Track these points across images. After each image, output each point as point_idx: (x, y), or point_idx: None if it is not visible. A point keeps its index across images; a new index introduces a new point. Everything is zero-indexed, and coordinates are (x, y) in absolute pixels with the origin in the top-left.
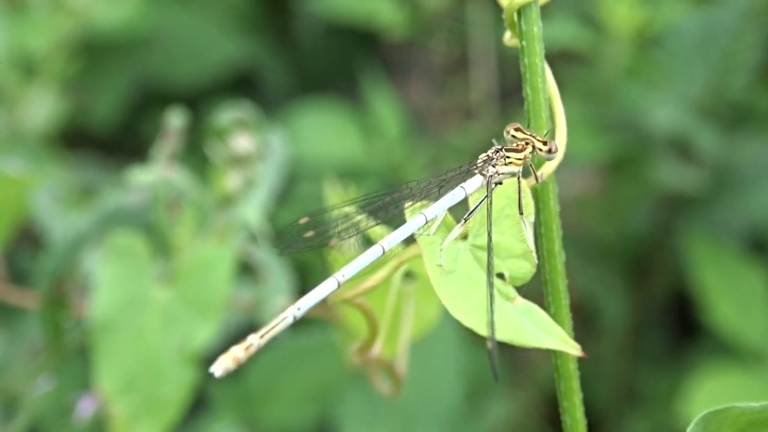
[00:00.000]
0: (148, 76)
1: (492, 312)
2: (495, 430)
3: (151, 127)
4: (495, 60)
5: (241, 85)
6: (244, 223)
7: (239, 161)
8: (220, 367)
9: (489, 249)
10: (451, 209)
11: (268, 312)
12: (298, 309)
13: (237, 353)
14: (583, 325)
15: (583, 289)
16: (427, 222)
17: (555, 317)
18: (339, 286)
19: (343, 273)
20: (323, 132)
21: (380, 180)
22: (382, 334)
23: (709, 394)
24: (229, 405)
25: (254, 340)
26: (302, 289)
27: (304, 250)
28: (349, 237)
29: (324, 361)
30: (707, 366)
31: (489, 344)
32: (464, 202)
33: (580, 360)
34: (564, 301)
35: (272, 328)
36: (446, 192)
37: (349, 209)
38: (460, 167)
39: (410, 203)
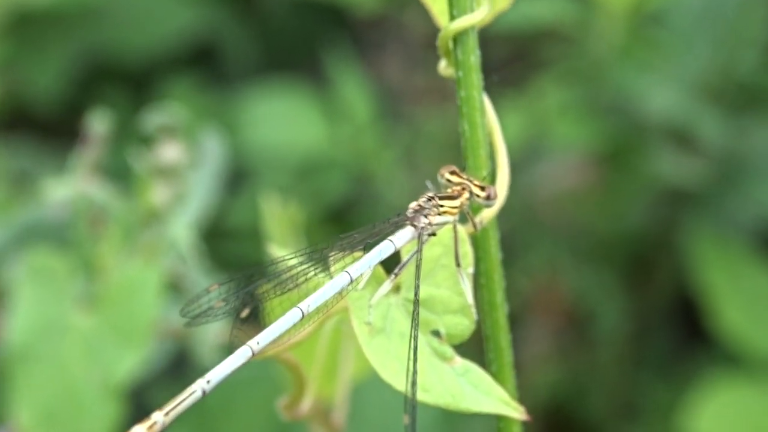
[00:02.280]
0: (96, 49)
1: (414, 373)
2: None
3: (99, 105)
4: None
5: (199, 58)
6: (172, 242)
7: (166, 173)
8: None
9: (414, 313)
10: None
11: (200, 340)
12: (208, 382)
13: None
14: (577, 331)
15: (576, 291)
16: (352, 281)
17: (497, 377)
18: (253, 354)
19: (258, 341)
20: (284, 118)
21: (346, 173)
22: (311, 387)
23: (717, 409)
24: (184, 420)
25: (158, 418)
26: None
27: (214, 321)
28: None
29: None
30: (713, 377)
31: (405, 419)
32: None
33: (575, 371)
34: (507, 359)
35: (178, 404)
36: (375, 245)
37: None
38: (388, 219)
39: (335, 254)
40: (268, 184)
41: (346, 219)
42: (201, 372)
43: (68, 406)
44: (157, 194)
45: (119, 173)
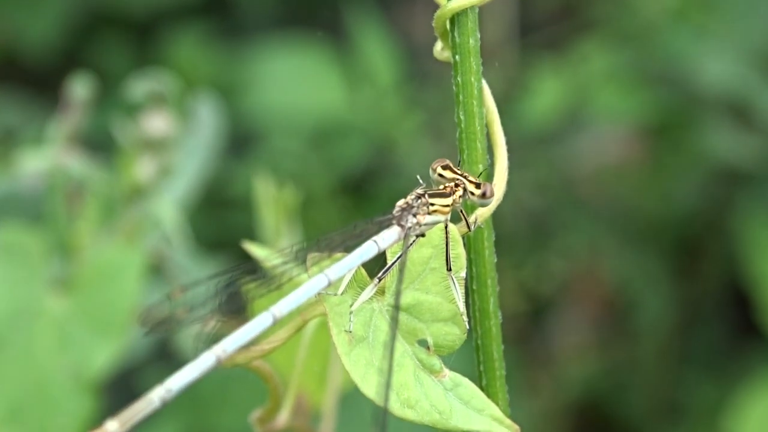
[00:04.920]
0: None
1: (388, 378)
2: None
3: (99, 57)
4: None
5: (210, 6)
6: (156, 221)
7: (153, 145)
8: None
9: (393, 318)
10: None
11: (184, 331)
12: (168, 391)
13: None
14: (617, 321)
15: (617, 277)
16: (330, 284)
17: (487, 390)
18: (219, 362)
19: (224, 347)
20: (299, 77)
21: (366, 140)
22: (290, 398)
23: (765, 412)
24: (176, 409)
25: (112, 428)
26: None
27: (178, 330)
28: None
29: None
30: (764, 376)
31: None
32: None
33: (613, 364)
34: (499, 372)
35: (134, 414)
36: (357, 246)
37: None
38: (372, 219)
39: (314, 255)
40: (278, 150)
41: (363, 191)
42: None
43: (37, 401)
44: (142, 168)
45: (105, 144)
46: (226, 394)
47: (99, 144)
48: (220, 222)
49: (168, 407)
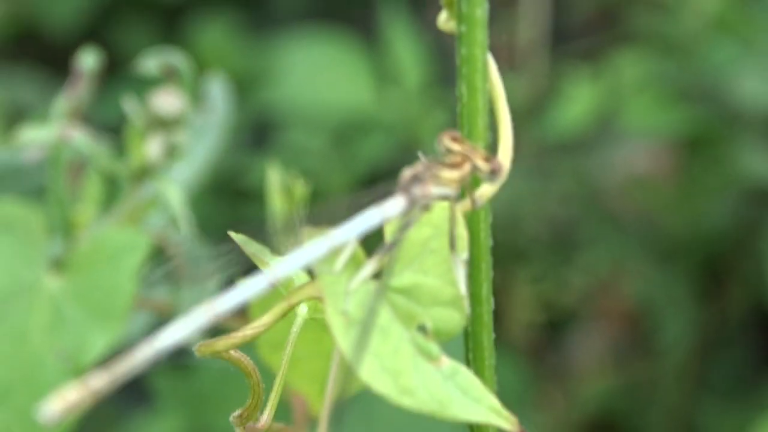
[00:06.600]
0: None
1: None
2: None
3: (122, 38)
4: None
5: None
6: (162, 202)
7: (163, 124)
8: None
9: (380, 287)
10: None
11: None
12: (153, 349)
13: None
14: (637, 339)
15: (640, 294)
16: (327, 253)
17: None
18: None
19: (214, 307)
20: (326, 71)
21: (392, 137)
22: (275, 397)
23: None
24: (175, 403)
25: (95, 384)
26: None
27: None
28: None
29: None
30: None
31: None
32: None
33: (631, 383)
34: (489, 361)
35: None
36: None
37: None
38: (372, 188)
39: (310, 229)
40: (298, 145)
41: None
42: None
43: (26, 384)
44: (151, 147)
45: (119, 127)
46: (226, 392)
47: (114, 127)
48: (233, 213)
49: (167, 399)
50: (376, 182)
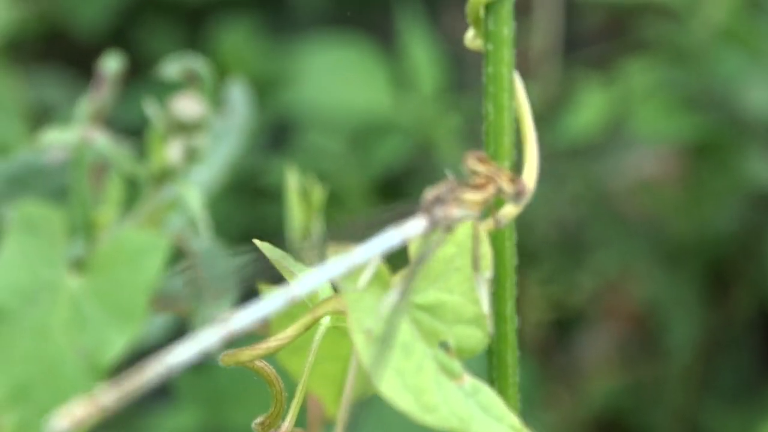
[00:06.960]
0: None
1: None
2: None
3: (146, 41)
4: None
5: (264, 1)
6: (183, 207)
7: (184, 128)
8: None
9: (401, 302)
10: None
11: (203, 320)
12: (166, 366)
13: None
14: (644, 340)
15: (647, 295)
16: (348, 272)
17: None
18: (223, 339)
19: (232, 324)
20: (344, 74)
21: (407, 139)
22: (296, 405)
23: None
24: (194, 398)
25: (105, 399)
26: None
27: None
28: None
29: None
30: None
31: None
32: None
33: (637, 383)
34: (512, 379)
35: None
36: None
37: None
38: (393, 208)
39: (333, 246)
40: (316, 146)
41: (397, 193)
42: None
43: (46, 381)
44: (172, 151)
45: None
46: (243, 390)
47: (136, 130)
48: (253, 212)
49: (186, 394)
50: (392, 184)
